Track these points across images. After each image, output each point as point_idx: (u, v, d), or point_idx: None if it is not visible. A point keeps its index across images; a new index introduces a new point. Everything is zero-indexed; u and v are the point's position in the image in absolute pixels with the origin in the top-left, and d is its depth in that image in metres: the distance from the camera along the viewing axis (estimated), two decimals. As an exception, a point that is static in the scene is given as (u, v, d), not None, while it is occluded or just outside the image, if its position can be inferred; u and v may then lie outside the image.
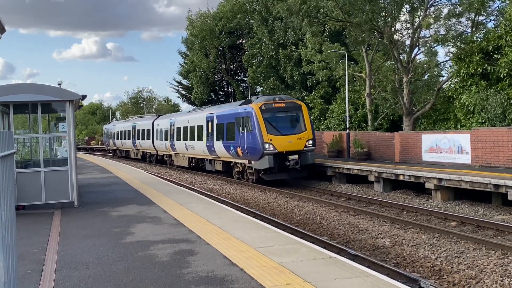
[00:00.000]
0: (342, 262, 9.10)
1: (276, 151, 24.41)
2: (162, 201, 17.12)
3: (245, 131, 25.56)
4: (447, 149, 23.05)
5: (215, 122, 29.89)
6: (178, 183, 27.42)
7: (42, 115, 17.04)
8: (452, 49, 32.25)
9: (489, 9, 31.88)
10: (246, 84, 64.07)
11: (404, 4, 32.54)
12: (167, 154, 42.52)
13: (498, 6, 32.12)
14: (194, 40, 63.94)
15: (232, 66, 69.38)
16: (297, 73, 48.90)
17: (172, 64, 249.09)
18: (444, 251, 12.07)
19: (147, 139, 46.65)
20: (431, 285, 9.36)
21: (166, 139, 40.54)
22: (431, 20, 31.08)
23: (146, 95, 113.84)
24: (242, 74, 69.40)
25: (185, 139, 35.64)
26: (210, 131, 30.50)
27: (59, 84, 17.97)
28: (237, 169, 28.14)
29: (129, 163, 46.37)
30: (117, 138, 58.72)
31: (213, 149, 30.05)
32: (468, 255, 11.68)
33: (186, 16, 65.88)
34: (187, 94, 76.41)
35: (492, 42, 27.60)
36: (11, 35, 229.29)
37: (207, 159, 32.80)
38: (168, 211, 15.03)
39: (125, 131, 55.35)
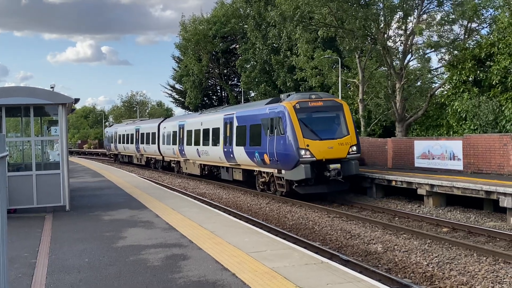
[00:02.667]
0: (334, 268, 9.11)
1: (314, 159, 20.53)
2: (154, 206, 17.08)
3: (275, 134, 21.72)
4: (439, 155, 23.14)
5: (235, 124, 26.01)
6: (170, 187, 27.35)
7: (35, 118, 16.99)
8: (445, 56, 32.45)
9: (482, 17, 32.09)
10: (240, 89, 64.14)
11: (397, 10, 32.69)
12: (174, 160, 38.27)
13: (491, 14, 32.34)
14: (188, 44, 63.95)
15: (225, 71, 69.44)
16: (289, 79, 48.97)
17: (166, 68, 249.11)
18: (436, 257, 12.10)
19: (152, 144, 42.47)
20: (423, 291, 9.38)
21: (174, 143, 36.50)
22: (423, 26, 31.25)
23: (139, 99, 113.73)
24: (235, 79, 69.46)
25: (197, 143, 31.55)
26: (228, 134, 26.63)
27: (52, 87, 17.88)
28: (262, 180, 24.07)
29: (121, 167, 46.26)
30: (119, 142, 53.94)
31: (231, 155, 26.16)
32: (459, 261, 11.71)
33: (179, 21, 66.00)
34: (181, 98, 76.37)
35: (485, 50, 27.78)
36: (5, 38, 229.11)
37: (223, 167, 28.61)
38: (160, 215, 15.00)
39: (127, 135, 50.86)
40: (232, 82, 70.97)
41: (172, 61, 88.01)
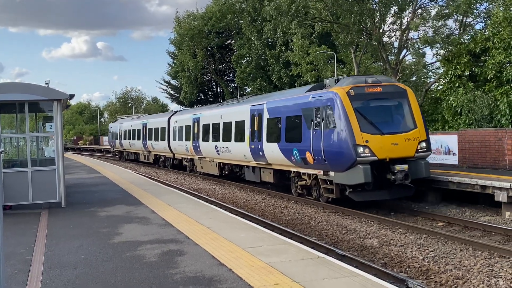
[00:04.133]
0: (330, 262, 9.13)
1: (375, 158, 16.66)
2: (150, 202, 17.07)
3: (321, 128, 17.78)
4: (434, 150, 23.18)
5: (266, 116, 22.20)
6: (166, 183, 27.34)
7: (30, 114, 16.92)
8: (440, 51, 32.50)
9: (476, 11, 32.16)
10: (235, 85, 64.13)
11: (392, 5, 32.73)
12: (187, 158, 34.53)
13: (485, 8, 32.40)
14: (182, 40, 63.86)
15: (221, 67, 69.42)
16: (284, 74, 48.97)
17: (162, 64, 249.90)
18: (432, 251, 12.14)
19: (161, 140, 38.68)
20: (419, 285, 9.42)
21: (187, 139, 32.63)
22: (419, 22, 31.31)
23: (134, 95, 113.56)
24: (231, 75, 69.49)
25: (215, 139, 27.71)
26: (257, 128, 22.84)
27: (46, 83, 17.82)
28: (302, 183, 20.09)
29: (118, 164, 46.17)
30: (125, 139, 50.19)
31: (261, 153, 22.40)
32: (455, 255, 11.75)
33: (173, 17, 65.90)
34: (176, 94, 76.34)
35: (480, 44, 27.79)
36: (0, 34, 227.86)
37: (248, 167, 24.84)
38: (156, 211, 14.99)
39: (134, 131, 46.86)
40: (228, 78, 71.01)
41: (167, 56, 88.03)
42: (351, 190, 17.23)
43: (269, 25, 39.85)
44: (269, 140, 21.74)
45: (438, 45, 32.02)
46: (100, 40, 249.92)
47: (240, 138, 24.69)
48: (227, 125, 26.44)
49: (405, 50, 34.07)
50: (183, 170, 36.18)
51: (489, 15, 30.95)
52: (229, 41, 66.51)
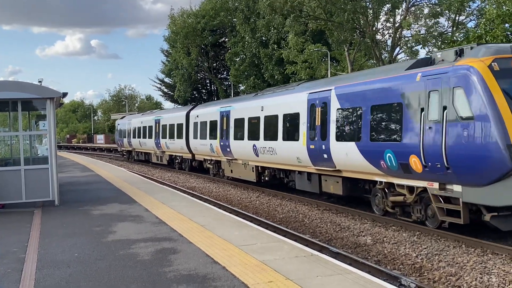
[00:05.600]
0: (324, 260, 9.15)
1: None
2: (144, 200, 17.05)
3: (443, 120, 12.38)
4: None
5: (334, 106, 16.80)
6: (160, 181, 27.30)
7: (23, 112, 16.88)
8: (433, 49, 32.59)
9: (469, 9, 32.29)
10: (229, 83, 64.12)
11: (385, 3, 32.80)
12: (211, 160, 29.14)
13: (478, 6, 32.52)
14: (176, 38, 63.80)
15: (215, 65, 69.40)
16: (277, 72, 48.98)
17: (156, 62, 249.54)
18: (425, 248, 12.18)
19: (177, 138, 33.66)
20: (412, 282, 9.45)
21: (212, 137, 27.61)
22: (411, 20, 31.41)
23: (128, 93, 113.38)
24: (225, 73, 69.46)
25: (253, 137, 22.73)
26: (319, 122, 17.62)
27: (39, 81, 17.79)
28: (397, 199, 14.65)
29: (112, 162, 46.07)
30: (134, 137, 44.78)
31: (325, 155, 17.15)
32: (448, 252, 11.80)
33: (168, 14, 65.83)
34: (170, 92, 76.24)
35: (472, 42, 27.88)
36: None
37: (301, 172, 19.65)
38: (150, 209, 14.98)
39: (144, 128, 41.57)
40: (222, 76, 70.96)
41: (161, 54, 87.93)
42: (496, 214, 11.81)
43: (262, 21, 39.85)
44: (340, 138, 16.43)
45: (430, 43, 32.11)
46: (94, 38, 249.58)
47: (291, 135, 19.59)
48: (270, 120, 21.38)
49: (398, 48, 34.17)
50: (204, 174, 31.11)
51: (481, 13, 31.05)
52: (223, 39, 66.51)
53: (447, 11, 31.44)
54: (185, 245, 10.33)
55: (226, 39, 64.02)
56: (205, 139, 28.70)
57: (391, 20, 34.23)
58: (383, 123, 14.77)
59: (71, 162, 40.61)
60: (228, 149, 25.54)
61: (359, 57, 39.64)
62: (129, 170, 34.65)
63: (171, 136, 34.87)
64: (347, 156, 16.06)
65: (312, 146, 18.05)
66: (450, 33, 32.07)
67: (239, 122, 24.50)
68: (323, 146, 17.30)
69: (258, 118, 22.49)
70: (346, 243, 13.29)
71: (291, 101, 19.93)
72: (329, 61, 38.37)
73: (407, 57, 34.83)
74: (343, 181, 17.00)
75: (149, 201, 16.80)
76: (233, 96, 57.95)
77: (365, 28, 33.09)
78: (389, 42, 35.02)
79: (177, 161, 35.87)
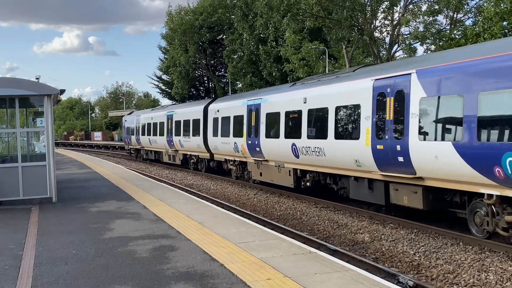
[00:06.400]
0: (322, 257, 9.15)
1: None
2: (141, 197, 17.03)
3: None
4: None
5: (415, 94, 13.28)
6: (158, 178, 27.28)
7: (20, 109, 16.83)
8: (431, 47, 32.61)
9: (467, 7, 32.31)
10: (227, 80, 64.06)
11: (383, 0, 32.81)
12: (235, 161, 25.59)
13: (476, 4, 32.54)
14: (174, 35, 63.72)
15: (212, 62, 69.36)
16: (275, 69, 48.95)
17: (154, 59, 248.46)
18: (423, 246, 12.20)
19: (193, 136, 30.28)
20: (410, 280, 9.46)
21: (237, 134, 24.28)
22: (409, 17, 31.43)
23: (125, 90, 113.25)
24: (222, 70, 69.40)
25: (293, 135, 19.25)
26: (390, 116, 14.22)
27: (37, 78, 17.72)
28: None
29: (109, 159, 45.99)
30: (143, 134, 41.70)
31: (401, 158, 13.68)
32: (446, 250, 11.81)
33: (166, 11, 65.72)
34: (167, 89, 76.15)
35: (470, 40, 27.91)
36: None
37: (359, 178, 16.15)
38: (148, 206, 14.96)
39: (155, 124, 38.30)
40: (219, 73, 70.90)
41: (159, 51, 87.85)
42: None
43: (261, 20, 39.83)
44: (426, 136, 12.93)
45: (428, 40, 32.13)
46: (92, 34, 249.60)
47: (347, 133, 16.29)
48: (317, 114, 17.83)
49: (396, 46, 34.16)
50: (223, 175, 27.96)
51: (479, 11, 31.06)
52: (221, 36, 66.44)
53: (445, 9, 31.48)
54: (183, 243, 10.31)
55: (224, 36, 63.94)
56: (227, 136, 25.24)
57: (389, 17, 34.26)
58: (504, 117, 10.88)
59: (68, 159, 40.55)
60: (257, 149, 22.12)
61: (357, 55, 39.64)
62: (127, 167, 34.61)
63: (186, 133, 31.60)
64: (436, 159, 12.46)
65: (379, 147, 14.46)
66: (448, 31, 32.10)
67: (272, 117, 20.94)
68: (398, 146, 13.70)
69: (299, 113, 18.84)
70: (344, 240, 13.30)
71: (348, 90, 16.22)
72: (327, 59, 38.34)
73: (405, 55, 34.89)
74: (424, 192, 13.42)
75: (147, 198, 16.78)
76: (231, 93, 57.87)
77: (364, 26, 33.10)
78: (387, 39, 35.06)
79: (192, 161, 32.38)
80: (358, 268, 8.80)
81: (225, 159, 26.82)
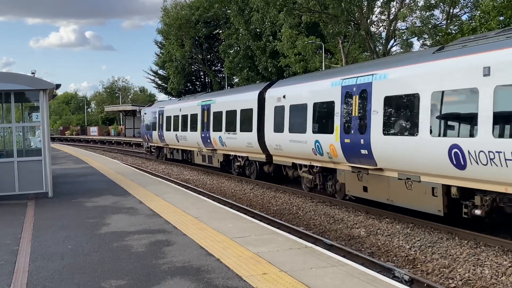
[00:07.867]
0: (318, 252, 9.16)
1: None
2: (138, 192, 17.01)
3: None
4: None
5: None
6: (154, 174, 27.24)
7: (16, 104, 16.80)
8: (427, 41, 32.63)
9: (464, 1, 32.32)
10: (223, 75, 63.97)
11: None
12: (312, 166, 18.42)
13: (472, -2, 32.58)
14: (170, 30, 63.56)
15: (209, 57, 69.20)
16: (271, 64, 48.90)
17: (151, 54, 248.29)
18: (418, 240, 12.22)
19: (241, 131, 23.59)
20: (405, 274, 9.48)
21: (320, 129, 17.28)
22: (406, 12, 31.43)
23: (121, 85, 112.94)
24: (219, 65, 69.31)
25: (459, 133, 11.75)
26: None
27: (32, 73, 17.68)
28: None
29: (105, 154, 45.87)
30: (168, 129, 34.34)
31: None
32: (441, 244, 11.84)
33: (161, 6, 65.57)
34: (163, 84, 76.03)
35: (467, 35, 27.91)
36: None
37: None
38: (144, 201, 14.94)
39: (185, 117, 31.06)
40: (216, 68, 70.80)
41: (156, 46, 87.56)
42: None
43: (257, 15, 39.73)
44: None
45: (425, 35, 32.14)
46: (88, 29, 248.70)
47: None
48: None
49: (392, 41, 34.17)
50: (289, 184, 21.78)
51: (475, 6, 31.06)
52: (217, 31, 66.30)
53: (441, 4, 31.50)
54: (179, 237, 10.31)
55: (220, 31, 63.82)
56: (301, 132, 18.25)
57: (386, 12, 34.24)
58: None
59: (64, 154, 40.45)
60: (364, 151, 14.74)
61: (353, 50, 39.63)
62: (123, 162, 34.56)
63: (229, 128, 24.81)
64: None
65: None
66: (444, 26, 32.12)
67: (399, 102, 13.71)
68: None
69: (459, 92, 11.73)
70: (340, 235, 13.32)
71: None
72: (323, 53, 38.31)
73: (401, 50, 34.90)
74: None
75: (143, 193, 16.76)
76: (228, 88, 57.81)
77: (360, 20, 33.09)
78: (383, 34, 35.07)
79: (237, 163, 25.14)
80: (354, 262, 8.83)
81: (292, 163, 19.87)
